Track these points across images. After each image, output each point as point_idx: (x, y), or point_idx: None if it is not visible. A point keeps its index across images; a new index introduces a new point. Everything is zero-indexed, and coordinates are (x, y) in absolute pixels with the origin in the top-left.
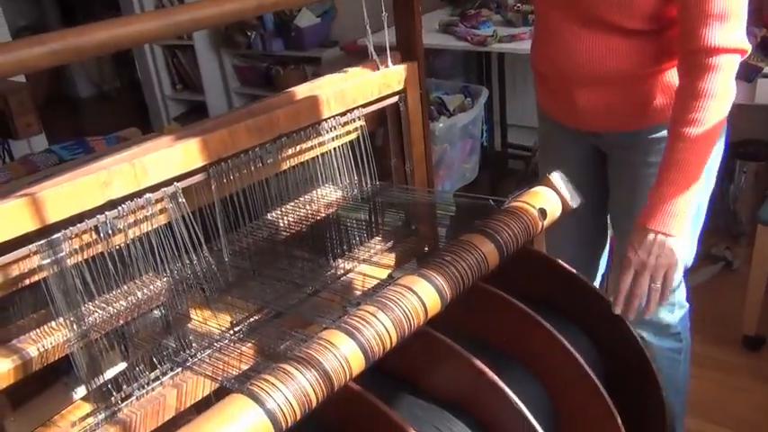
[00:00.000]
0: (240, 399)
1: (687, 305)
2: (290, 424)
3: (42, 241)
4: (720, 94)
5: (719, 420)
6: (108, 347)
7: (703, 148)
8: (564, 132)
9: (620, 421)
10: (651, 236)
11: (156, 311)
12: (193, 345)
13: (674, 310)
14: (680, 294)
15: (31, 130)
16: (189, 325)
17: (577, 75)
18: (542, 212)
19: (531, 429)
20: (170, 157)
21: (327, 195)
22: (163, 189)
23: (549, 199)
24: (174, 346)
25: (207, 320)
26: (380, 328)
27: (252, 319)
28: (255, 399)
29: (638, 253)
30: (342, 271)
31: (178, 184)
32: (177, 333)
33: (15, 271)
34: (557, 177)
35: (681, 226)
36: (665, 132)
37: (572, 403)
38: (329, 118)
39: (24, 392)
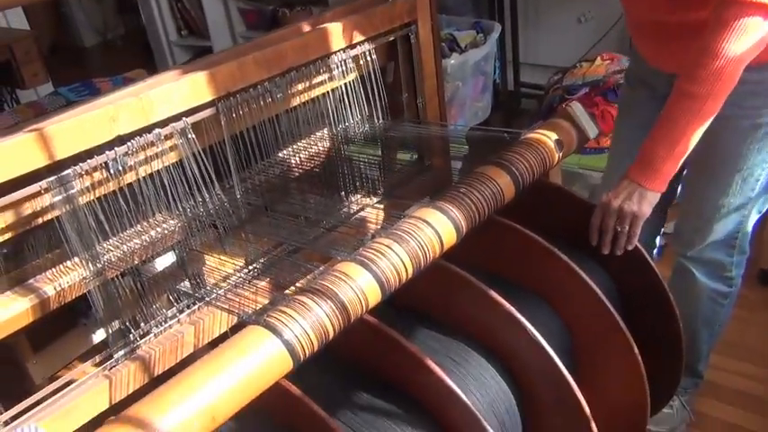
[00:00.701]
0: (258, 330)
1: (747, 252)
2: (307, 355)
3: (52, 178)
4: (734, 59)
5: (738, 355)
6: (124, 286)
7: (699, 110)
8: (653, 72)
9: (637, 353)
10: (626, 182)
11: (170, 250)
12: (209, 282)
13: (734, 254)
14: (743, 239)
15: (37, 79)
16: (204, 263)
17: (641, 18)
18: (559, 143)
19: (549, 360)
20: (178, 91)
21: (339, 132)
22: (172, 124)
23: (566, 130)
24: (190, 284)
25: (222, 258)
26: (396, 259)
27: (266, 257)
28: (273, 330)
29: (609, 195)
30: (356, 207)
31: (187, 119)
32: (192, 271)
33: (28, 209)
34: (575, 108)
35: (658, 180)
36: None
37: (589, 336)
38: (338, 51)
39: (44, 336)
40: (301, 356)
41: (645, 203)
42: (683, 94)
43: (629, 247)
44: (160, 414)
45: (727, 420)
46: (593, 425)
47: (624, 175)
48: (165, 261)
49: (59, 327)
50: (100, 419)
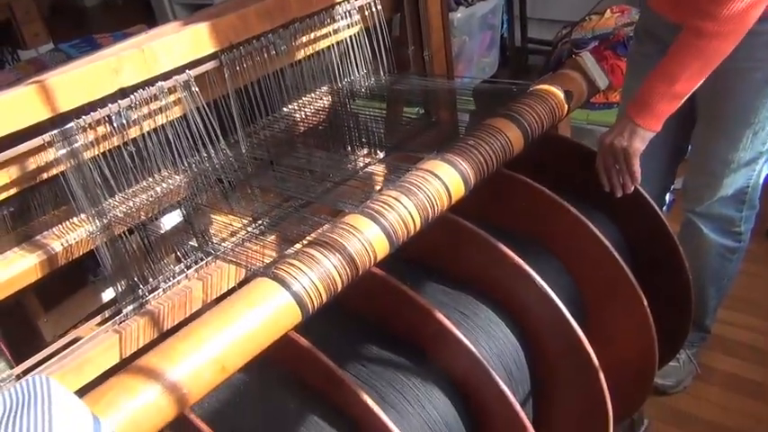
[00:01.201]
0: (266, 282)
1: (757, 207)
2: (316, 307)
3: (55, 131)
4: (756, 2)
5: (745, 309)
6: (131, 242)
7: (704, 48)
8: (662, 24)
9: (646, 305)
10: (622, 120)
11: (177, 207)
12: (216, 238)
13: (743, 209)
14: (753, 194)
15: (38, 39)
16: (211, 219)
17: None
18: (568, 95)
19: (557, 312)
20: (180, 42)
21: (344, 87)
22: (175, 77)
23: (576, 81)
24: (197, 240)
25: (229, 214)
26: (404, 212)
27: (273, 212)
28: (281, 282)
29: (604, 133)
30: (362, 162)
31: (190, 72)
32: (199, 228)
33: (33, 164)
34: (585, 58)
35: (652, 119)
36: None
37: (598, 288)
38: (343, 1)
39: (55, 294)
40: (310, 308)
41: (636, 139)
42: (693, 30)
43: (629, 187)
44: (171, 364)
45: (732, 372)
46: (602, 376)
47: (625, 114)
48: (171, 219)
49: (69, 285)
50: (110, 374)
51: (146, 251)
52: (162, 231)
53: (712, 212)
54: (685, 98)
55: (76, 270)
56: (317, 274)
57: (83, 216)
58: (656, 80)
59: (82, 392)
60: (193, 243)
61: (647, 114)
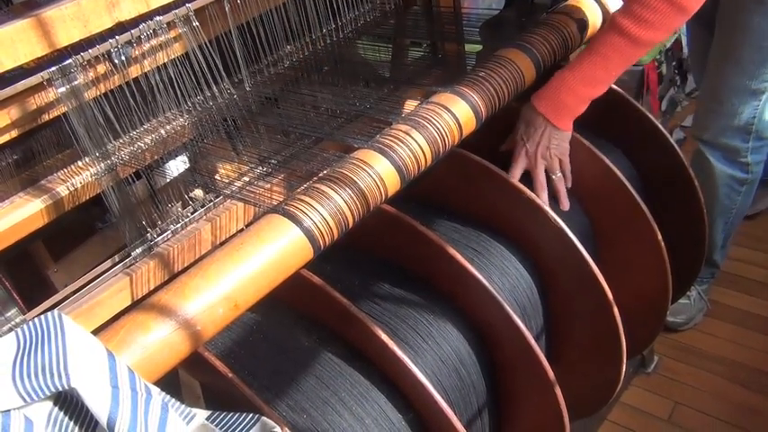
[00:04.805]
0: (277, 218)
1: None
2: (327, 243)
3: (54, 68)
4: (689, 8)
5: (753, 245)
6: (138, 186)
7: (630, 52)
8: None
9: (660, 238)
10: (541, 120)
11: (182, 150)
12: (224, 179)
13: (750, 140)
14: (760, 125)
15: None
16: (218, 160)
17: None
18: (581, 23)
19: (570, 245)
20: None
21: (349, 22)
22: (174, 11)
23: (589, 9)
24: (205, 181)
25: (236, 154)
26: (414, 146)
27: (281, 151)
28: (292, 218)
29: (527, 144)
30: (370, 98)
31: (190, 5)
32: (206, 169)
33: (33, 105)
34: None
35: (567, 120)
36: None
37: (612, 222)
38: None
39: (63, 244)
40: (321, 244)
41: (565, 141)
42: (616, 28)
43: (569, 184)
44: (184, 301)
45: (742, 309)
46: (616, 310)
47: (534, 111)
48: (178, 164)
49: (77, 234)
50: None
51: (153, 192)
52: (168, 176)
53: (718, 141)
54: None
55: (84, 218)
56: (328, 210)
57: (87, 159)
58: (581, 83)
59: (94, 334)
60: (201, 185)
61: (568, 118)
